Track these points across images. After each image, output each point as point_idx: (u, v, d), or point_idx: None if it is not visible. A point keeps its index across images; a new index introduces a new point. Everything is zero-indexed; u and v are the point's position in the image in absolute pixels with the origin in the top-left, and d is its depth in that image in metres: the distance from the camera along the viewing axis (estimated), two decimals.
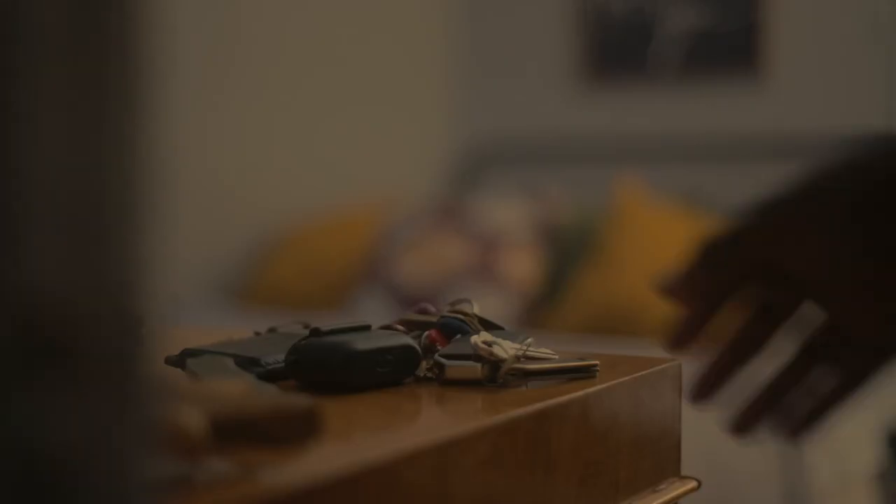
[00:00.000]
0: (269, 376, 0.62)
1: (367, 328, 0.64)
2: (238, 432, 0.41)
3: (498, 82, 3.53)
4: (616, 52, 3.30)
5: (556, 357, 0.63)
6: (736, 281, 0.60)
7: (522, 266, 2.73)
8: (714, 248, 0.60)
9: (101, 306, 0.25)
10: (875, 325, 0.59)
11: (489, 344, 0.59)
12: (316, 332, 0.61)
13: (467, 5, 3.64)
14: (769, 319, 0.62)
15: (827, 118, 3.09)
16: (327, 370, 0.59)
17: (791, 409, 0.62)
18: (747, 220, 0.60)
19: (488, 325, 0.69)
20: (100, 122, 0.25)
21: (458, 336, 0.65)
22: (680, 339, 0.62)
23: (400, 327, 0.67)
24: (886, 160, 0.58)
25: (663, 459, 0.65)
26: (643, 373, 0.63)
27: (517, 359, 0.60)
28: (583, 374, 0.61)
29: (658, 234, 2.55)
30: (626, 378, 0.61)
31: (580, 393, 0.57)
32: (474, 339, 0.60)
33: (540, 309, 2.69)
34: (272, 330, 0.72)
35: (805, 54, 3.08)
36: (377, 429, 0.50)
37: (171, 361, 0.65)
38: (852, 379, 0.61)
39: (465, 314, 0.67)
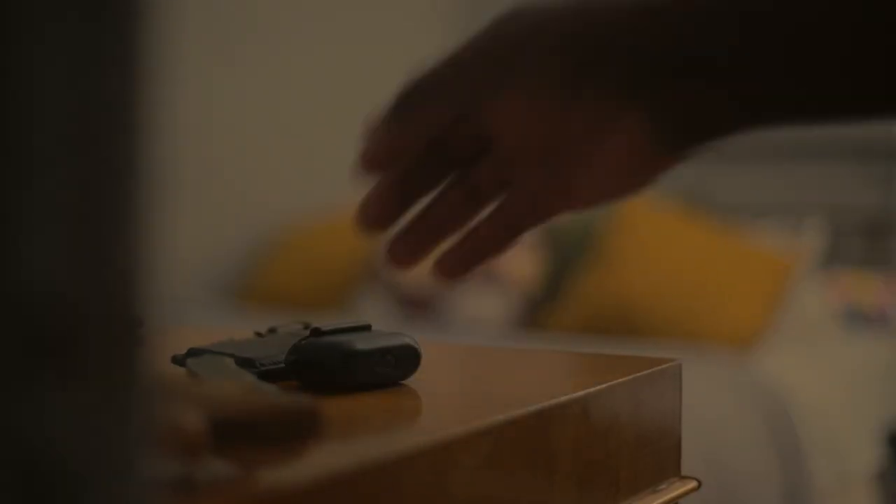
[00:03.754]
0: (269, 376, 0.62)
1: (367, 328, 0.64)
2: (238, 432, 0.41)
3: None
4: None
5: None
6: (427, 132, 0.51)
7: (522, 266, 2.73)
8: (406, 96, 0.52)
9: (101, 306, 0.25)
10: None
11: None
12: (316, 332, 0.61)
13: (468, 4, 3.64)
14: (474, 196, 0.55)
15: None
16: (327, 370, 0.59)
17: (450, 247, 0.57)
18: (449, 67, 0.51)
19: None
20: (101, 121, 0.25)
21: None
22: (372, 213, 0.54)
23: None
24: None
25: (663, 459, 0.65)
26: (643, 373, 0.63)
27: None
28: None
29: (658, 235, 2.55)
30: (626, 378, 0.61)
31: (580, 393, 0.57)
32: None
33: (540, 309, 2.69)
34: (272, 330, 0.72)
35: None
36: (377, 429, 0.50)
37: (177, 361, 0.65)
38: (508, 231, 0.56)
39: None
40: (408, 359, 0.61)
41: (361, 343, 0.60)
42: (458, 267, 0.57)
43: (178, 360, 0.65)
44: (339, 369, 0.59)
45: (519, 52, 0.50)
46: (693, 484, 0.66)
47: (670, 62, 0.47)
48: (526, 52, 0.49)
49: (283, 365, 0.62)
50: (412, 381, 0.62)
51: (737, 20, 0.45)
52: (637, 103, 0.48)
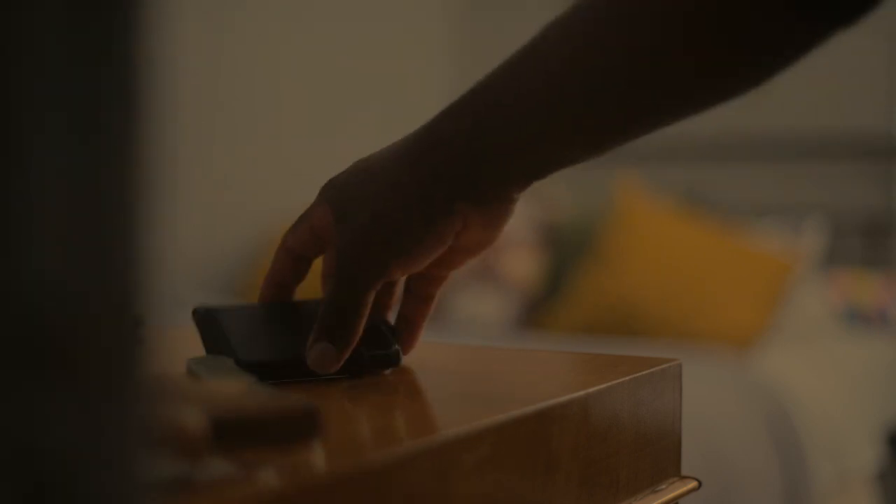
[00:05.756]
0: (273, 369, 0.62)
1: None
2: (238, 432, 0.41)
3: None
4: None
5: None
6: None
7: (522, 266, 2.73)
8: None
9: (101, 306, 0.25)
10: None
11: None
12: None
13: (468, 6, 3.64)
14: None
15: (827, 118, 3.09)
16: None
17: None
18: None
19: None
20: (100, 121, 0.25)
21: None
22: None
23: None
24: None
25: (663, 459, 0.65)
26: (643, 373, 0.63)
27: None
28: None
29: (658, 234, 2.55)
30: (626, 378, 0.61)
31: (580, 393, 0.57)
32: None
33: (540, 309, 2.69)
34: None
35: None
36: (377, 429, 0.50)
37: (199, 313, 0.66)
38: (426, 302, 0.69)
39: None
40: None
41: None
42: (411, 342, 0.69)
43: (200, 314, 0.66)
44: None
45: (360, 201, 0.64)
46: (693, 484, 0.66)
47: (466, 173, 0.64)
48: (367, 198, 0.64)
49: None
50: (413, 381, 0.62)
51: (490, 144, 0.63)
52: (458, 202, 0.64)
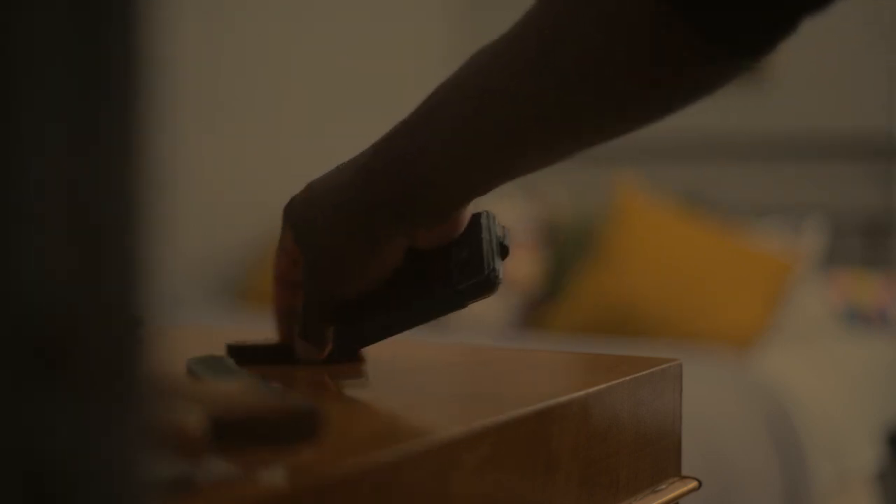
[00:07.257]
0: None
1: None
2: (238, 432, 0.41)
3: None
4: None
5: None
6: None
7: (522, 266, 2.73)
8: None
9: (102, 307, 0.25)
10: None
11: None
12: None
13: (468, 6, 3.64)
14: None
15: (827, 118, 3.09)
16: None
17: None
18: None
19: None
20: (100, 123, 0.25)
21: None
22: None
23: None
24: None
25: (663, 459, 0.65)
26: (643, 373, 0.63)
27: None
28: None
29: (658, 234, 2.55)
30: (626, 378, 0.61)
31: (580, 393, 0.57)
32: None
33: (540, 309, 2.69)
34: None
35: (806, 54, 3.08)
36: (377, 429, 0.50)
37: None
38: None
39: None
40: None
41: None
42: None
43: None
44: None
45: (316, 223, 0.69)
46: (693, 484, 0.66)
47: (399, 205, 0.67)
48: (320, 221, 0.68)
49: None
50: (413, 382, 0.62)
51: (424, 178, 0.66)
52: (400, 226, 0.67)
